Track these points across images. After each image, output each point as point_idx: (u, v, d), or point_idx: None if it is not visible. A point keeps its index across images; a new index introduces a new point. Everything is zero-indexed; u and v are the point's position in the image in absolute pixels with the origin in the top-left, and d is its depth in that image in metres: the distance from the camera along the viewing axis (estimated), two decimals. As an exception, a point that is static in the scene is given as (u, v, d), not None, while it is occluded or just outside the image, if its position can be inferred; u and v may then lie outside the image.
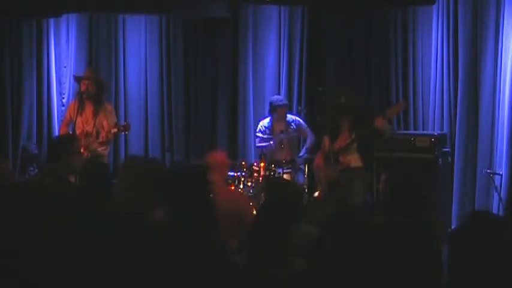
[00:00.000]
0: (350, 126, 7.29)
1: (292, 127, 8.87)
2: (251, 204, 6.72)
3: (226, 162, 6.17)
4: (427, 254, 2.84)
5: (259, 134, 8.94)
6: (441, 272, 2.82)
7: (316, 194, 7.29)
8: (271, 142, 8.68)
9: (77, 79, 8.50)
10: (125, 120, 9.13)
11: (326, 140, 7.44)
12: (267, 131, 8.90)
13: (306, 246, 3.20)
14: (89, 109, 8.13)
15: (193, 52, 10.01)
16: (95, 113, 8.07)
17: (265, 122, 8.97)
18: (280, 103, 8.87)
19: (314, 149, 8.52)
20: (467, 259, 2.79)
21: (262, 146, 8.76)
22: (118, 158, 9.57)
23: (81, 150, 7.14)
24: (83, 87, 8.16)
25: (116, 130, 8.09)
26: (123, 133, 8.46)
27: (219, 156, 6.14)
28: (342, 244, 2.94)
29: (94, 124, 8.00)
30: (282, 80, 9.81)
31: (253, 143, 9.67)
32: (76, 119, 7.99)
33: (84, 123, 8.10)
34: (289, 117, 8.95)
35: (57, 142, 6.46)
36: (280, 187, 5.02)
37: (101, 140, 7.71)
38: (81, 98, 8.10)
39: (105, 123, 8.05)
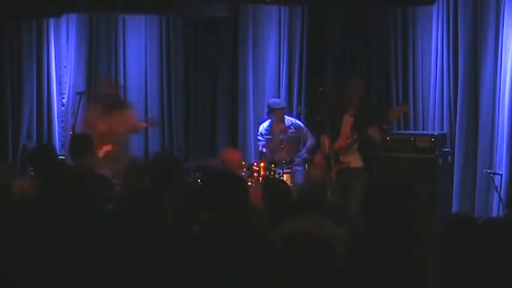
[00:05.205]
0: (352, 125, 7.27)
1: (291, 130, 8.86)
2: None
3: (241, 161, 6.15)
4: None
5: (261, 138, 8.94)
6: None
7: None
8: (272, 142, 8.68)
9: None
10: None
11: (325, 140, 7.42)
12: (267, 133, 8.90)
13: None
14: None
15: (193, 52, 10.00)
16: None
17: (265, 125, 8.95)
18: (277, 106, 8.84)
19: (314, 150, 8.51)
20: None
21: (267, 152, 8.77)
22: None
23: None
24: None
25: None
26: None
27: (234, 155, 6.11)
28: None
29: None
30: (282, 80, 9.80)
31: (253, 143, 9.66)
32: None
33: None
34: (288, 119, 8.93)
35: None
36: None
37: None
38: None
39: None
